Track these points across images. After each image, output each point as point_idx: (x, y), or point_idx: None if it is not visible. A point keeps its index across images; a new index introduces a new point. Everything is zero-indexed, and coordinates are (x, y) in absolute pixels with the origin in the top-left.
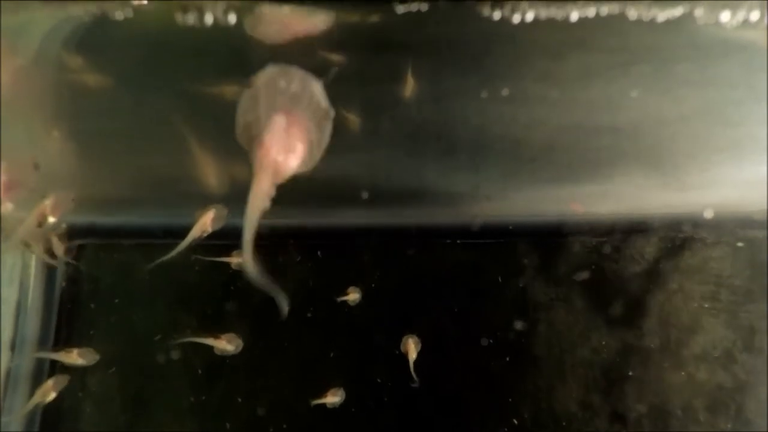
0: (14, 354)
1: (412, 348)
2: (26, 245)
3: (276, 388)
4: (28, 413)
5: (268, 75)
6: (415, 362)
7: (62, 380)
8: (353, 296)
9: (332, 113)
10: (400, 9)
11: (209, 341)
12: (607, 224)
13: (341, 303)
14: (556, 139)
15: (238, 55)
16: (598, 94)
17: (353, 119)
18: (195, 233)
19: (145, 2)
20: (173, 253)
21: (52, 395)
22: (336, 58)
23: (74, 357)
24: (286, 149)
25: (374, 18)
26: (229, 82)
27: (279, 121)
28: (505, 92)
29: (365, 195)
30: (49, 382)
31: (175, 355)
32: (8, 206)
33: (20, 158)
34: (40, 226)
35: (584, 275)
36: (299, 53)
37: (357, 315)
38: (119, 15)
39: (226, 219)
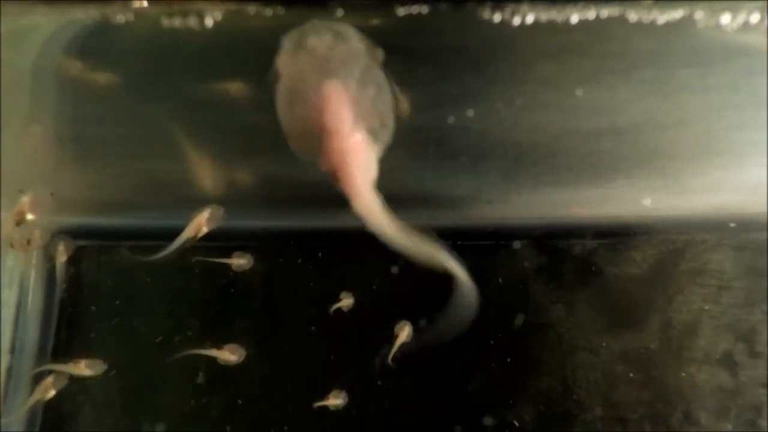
0: (14, 357)
1: (404, 333)
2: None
3: (277, 390)
4: (29, 416)
5: (291, 48)
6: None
7: (62, 378)
8: (346, 302)
9: (380, 54)
10: (401, 11)
11: (212, 353)
12: (608, 227)
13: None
14: (558, 143)
15: (237, 57)
16: (600, 98)
17: None
18: (189, 233)
19: (146, 5)
20: (165, 252)
21: (52, 392)
22: None
23: (82, 368)
24: (359, 119)
25: (375, 21)
26: (231, 81)
27: (334, 89)
28: (470, 113)
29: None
30: (49, 380)
31: (176, 358)
32: None
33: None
34: (19, 224)
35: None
36: None
37: (358, 316)
38: (120, 18)
39: (222, 220)
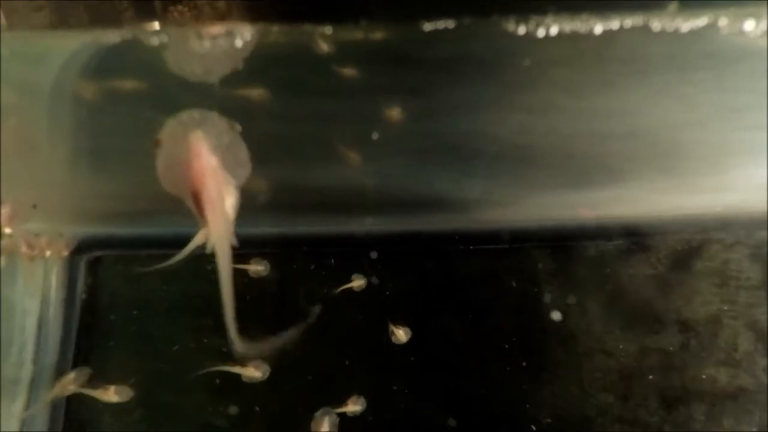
0: (36, 365)
1: (355, 283)
2: None
3: (293, 397)
4: (49, 427)
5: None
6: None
7: (83, 374)
8: (357, 283)
9: (237, 126)
10: (428, 27)
11: (236, 369)
12: (623, 227)
13: (355, 311)
14: (572, 146)
15: (255, 65)
16: (616, 100)
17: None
18: (197, 241)
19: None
20: (174, 260)
21: (71, 389)
22: (348, 72)
23: (111, 394)
24: (216, 153)
25: (401, 35)
26: (248, 89)
27: (194, 135)
28: (485, 119)
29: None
30: (71, 375)
31: (194, 365)
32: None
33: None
34: None
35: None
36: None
37: (372, 322)
38: (154, 40)
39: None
